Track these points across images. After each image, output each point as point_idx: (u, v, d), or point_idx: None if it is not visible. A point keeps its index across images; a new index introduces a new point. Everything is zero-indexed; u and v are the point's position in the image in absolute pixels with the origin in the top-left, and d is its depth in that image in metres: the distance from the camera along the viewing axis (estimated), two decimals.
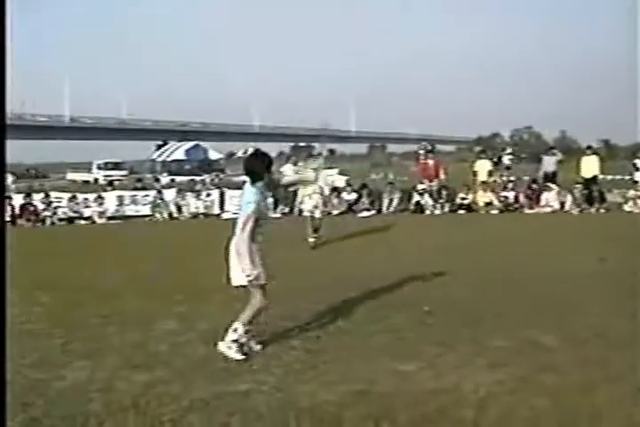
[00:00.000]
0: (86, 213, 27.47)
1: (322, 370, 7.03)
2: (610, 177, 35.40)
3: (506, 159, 42.31)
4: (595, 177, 26.83)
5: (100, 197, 28.14)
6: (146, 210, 28.29)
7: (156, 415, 5.95)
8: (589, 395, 6.15)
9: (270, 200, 24.47)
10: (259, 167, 8.14)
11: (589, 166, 27.12)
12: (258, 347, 7.95)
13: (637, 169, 29.04)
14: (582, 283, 11.26)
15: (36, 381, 6.92)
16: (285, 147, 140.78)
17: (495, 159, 41.32)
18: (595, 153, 28.39)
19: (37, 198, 27.51)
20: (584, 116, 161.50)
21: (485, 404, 6.00)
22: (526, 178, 30.00)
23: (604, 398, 6.06)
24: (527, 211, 25.90)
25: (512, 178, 31.88)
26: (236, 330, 7.70)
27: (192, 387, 6.61)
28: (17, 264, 14.36)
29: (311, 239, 16.84)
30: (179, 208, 28.10)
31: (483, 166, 28.47)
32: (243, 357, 7.52)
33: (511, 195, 26.80)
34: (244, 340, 7.75)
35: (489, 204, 26.33)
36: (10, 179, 38.41)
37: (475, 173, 28.29)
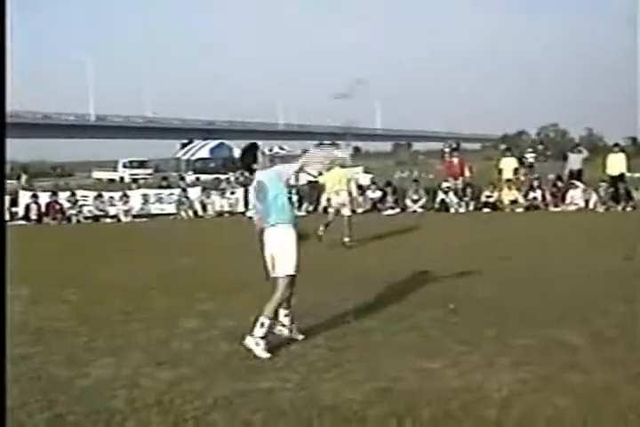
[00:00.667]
0: (112, 211, 27.60)
1: (346, 368, 7.02)
2: (637, 175, 35.12)
3: (529, 157, 42.13)
4: (622, 175, 26.61)
5: (125, 195, 28.26)
6: (171, 208, 28.39)
7: (180, 413, 5.96)
8: (614, 395, 6.10)
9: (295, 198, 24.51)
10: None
11: (616, 164, 26.91)
12: (300, 336, 8.29)
13: None
14: (608, 281, 11.18)
15: (61, 378, 6.95)
16: (310, 145, 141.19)
17: (520, 158, 41.23)
18: (622, 151, 28.19)
19: (63, 197, 27.68)
20: (611, 113, 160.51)
21: (509, 403, 5.97)
22: (552, 176, 29.80)
23: (628, 399, 6.01)
24: (552, 209, 25.75)
25: (537, 176, 31.67)
26: (262, 325, 7.78)
27: (215, 384, 6.61)
28: (43, 262, 14.51)
29: (320, 232, 16.98)
30: (203, 206, 28.17)
31: (508, 164, 28.34)
32: (268, 355, 7.55)
33: (537, 193, 26.65)
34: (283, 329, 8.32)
35: (514, 202, 26.21)
36: (23, 178, 38.62)
37: (500, 171, 28.18)
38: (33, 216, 26.49)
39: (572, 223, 21.34)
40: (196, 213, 27.82)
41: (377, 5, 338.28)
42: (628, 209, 24.79)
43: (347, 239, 16.66)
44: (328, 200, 17.75)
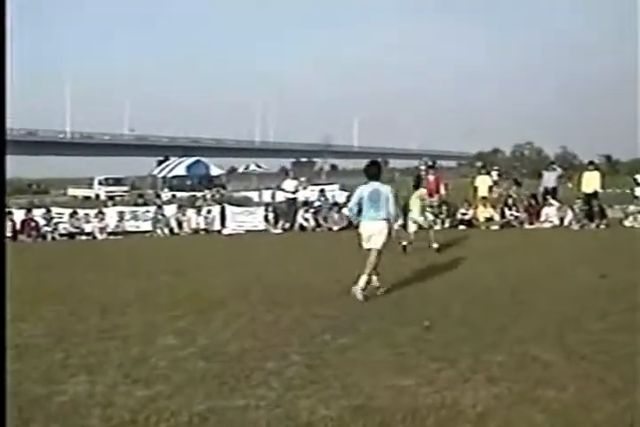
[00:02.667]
0: (87, 228, 27.53)
1: (321, 385, 7.03)
2: (610, 192, 35.37)
3: (494, 175, 42.23)
4: (596, 192, 26.79)
5: (100, 212, 28.22)
6: (147, 226, 28.36)
7: None
8: (588, 411, 6.15)
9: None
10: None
11: (590, 182, 27.09)
12: (381, 290, 12.33)
13: (638, 184, 29.05)
14: (582, 298, 11.28)
15: (38, 395, 6.93)
16: (287, 162, 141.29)
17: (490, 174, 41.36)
18: (596, 168, 28.40)
19: (38, 214, 27.57)
20: (585, 131, 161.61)
21: (484, 419, 6.01)
22: (527, 193, 29.98)
23: (603, 414, 6.07)
24: (527, 226, 25.93)
25: (512, 193, 31.83)
26: (362, 279, 11.90)
27: (191, 402, 6.62)
28: (18, 279, 14.42)
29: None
30: (179, 224, 28.15)
31: (483, 182, 28.50)
32: (362, 299, 11.64)
33: (512, 210, 26.80)
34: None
35: (489, 219, 26.37)
36: None
37: (475, 189, 28.32)
38: (8, 233, 26.34)
39: (546, 240, 21.50)
40: (172, 230, 27.79)
41: (354, 23, 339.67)
42: (602, 227, 24.99)
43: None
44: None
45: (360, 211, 12.46)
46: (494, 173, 41.21)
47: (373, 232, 12.22)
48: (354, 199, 12.68)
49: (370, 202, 12.28)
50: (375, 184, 12.45)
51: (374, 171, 12.81)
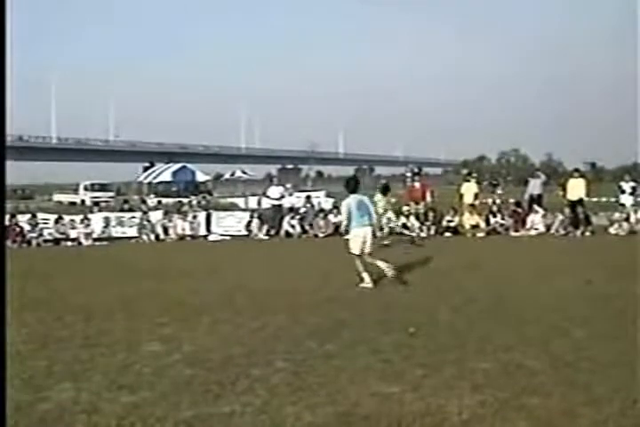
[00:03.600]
0: (72, 234, 27.43)
1: (307, 392, 7.03)
2: (595, 199, 35.51)
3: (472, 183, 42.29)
4: (581, 200, 26.85)
5: (86, 218, 28.12)
6: (132, 231, 28.32)
7: None
8: (573, 418, 6.17)
9: None
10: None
11: (576, 189, 27.14)
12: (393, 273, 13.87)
13: (623, 192, 29.08)
14: (567, 305, 11.32)
15: (22, 402, 6.90)
16: (273, 169, 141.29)
17: (495, 182, 41.45)
18: (582, 176, 28.47)
19: (23, 219, 27.47)
20: (570, 139, 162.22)
21: (469, 426, 6.02)
22: (512, 200, 30.06)
23: (587, 422, 6.09)
24: (513, 233, 25.99)
25: (498, 201, 31.97)
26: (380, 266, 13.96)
27: (176, 408, 6.60)
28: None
29: None
30: (165, 230, 28.10)
31: (469, 189, 28.54)
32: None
33: (497, 218, 26.86)
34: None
35: (475, 226, 26.41)
36: None
37: (461, 196, 28.36)
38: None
39: (531, 248, 21.57)
40: (157, 236, 27.74)
41: (342, 29, 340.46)
42: (587, 234, 25.08)
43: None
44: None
45: (350, 220, 14.26)
46: (472, 181, 41.30)
47: (366, 237, 14.09)
48: (345, 212, 14.33)
49: (358, 211, 14.14)
50: (357, 196, 14.42)
51: (354, 185, 14.70)
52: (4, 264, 4.96)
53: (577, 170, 29.65)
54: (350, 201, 14.27)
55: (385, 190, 23.83)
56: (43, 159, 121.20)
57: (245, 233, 28.41)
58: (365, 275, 13.95)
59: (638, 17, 30.91)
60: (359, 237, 14.11)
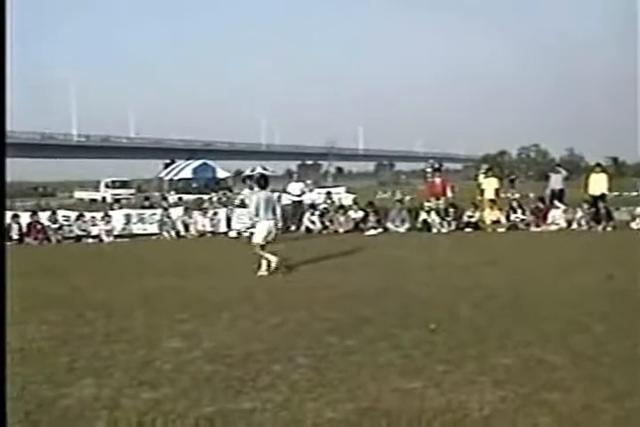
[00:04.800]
0: (93, 231, 27.46)
1: (327, 388, 7.02)
2: (617, 194, 35.30)
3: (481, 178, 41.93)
4: (603, 195, 26.73)
5: (107, 215, 28.14)
6: (153, 228, 28.31)
7: None
8: (594, 413, 6.14)
9: None
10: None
11: (597, 184, 27.03)
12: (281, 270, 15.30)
13: None
14: (588, 300, 11.26)
15: (44, 398, 6.92)
16: (293, 165, 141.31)
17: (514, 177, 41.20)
18: (603, 171, 28.33)
19: (45, 217, 27.55)
20: (592, 134, 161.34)
21: (490, 422, 6.00)
22: (532, 195, 29.96)
23: (608, 417, 6.06)
24: (534, 229, 25.86)
25: (517, 195, 31.89)
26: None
27: (197, 405, 6.61)
28: (24, 282, 14.44)
29: None
30: (186, 226, 28.11)
31: (490, 184, 28.46)
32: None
33: (518, 213, 26.75)
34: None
35: (496, 222, 26.31)
36: None
37: (482, 191, 28.28)
38: (14, 236, 26.31)
39: (552, 243, 21.47)
40: (178, 233, 27.73)
41: (362, 26, 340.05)
42: (609, 229, 24.94)
43: None
44: None
45: (258, 214, 15.91)
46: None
47: (270, 229, 15.82)
48: (254, 204, 16.17)
49: (266, 206, 15.83)
50: (266, 192, 16.33)
51: (264, 182, 16.64)
52: (4, 264, 4.96)
53: (599, 165, 29.54)
54: (260, 196, 16.07)
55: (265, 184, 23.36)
56: (64, 156, 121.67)
57: None
58: (264, 262, 15.48)
59: None
60: (264, 229, 15.76)
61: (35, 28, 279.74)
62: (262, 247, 15.67)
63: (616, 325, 9.43)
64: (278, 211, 16.26)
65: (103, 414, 6.44)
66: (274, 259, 15.47)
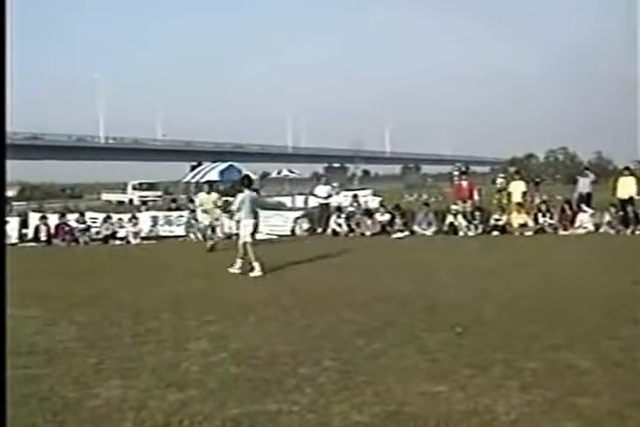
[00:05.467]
0: (121, 233, 27.59)
1: (354, 391, 7.02)
2: None
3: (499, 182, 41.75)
4: (631, 198, 26.56)
5: (134, 217, 28.26)
6: (180, 230, 28.41)
7: None
8: (622, 419, 6.10)
9: None
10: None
11: (626, 187, 26.86)
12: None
13: None
14: (616, 305, 11.19)
15: (71, 399, 6.96)
16: (319, 167, 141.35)
17: (538, 180, 41.07)
18: (632, 174, 28.16)
19: (72, 218, 27.71)
20: (619, 136, 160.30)
21: (517, 426, 5.98)
22: (560, 198, 29.82)
23: (636, 423, 6.02)
24: (562, 232, 25.72)
25: (544, 197, 31.73)
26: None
27: (224, 406, 6.63)
28: (53, 283, 14.55)
29: None
30: (212, 229, 28.16)
31: (517, 187, 28.36)
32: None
33: (546, 217, 26.61)
34: None
35: (523, 225, 26.19)
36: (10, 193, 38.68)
37: (509, 195, 28.18)
38: (42, 237, 26.52)
39: (580, 247, 21.35)
40: (204, 235, 27.78)
41: (385, 28, 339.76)
42: (638, 233, 24.76)
43: None
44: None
45: (241, 212, 16.66)
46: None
47: (251, 228, 16.43)
48: (237, 203, 16.82)
49: (249, 205, 16.57)
50: (250, 193, 17.01)
51: (248, 182, 17.48)
52: (4, 264, 5.00)
53: (627, 168, 29.34)
54: (246, 195, 16.75)
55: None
56: (92, 158, 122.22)
57: (290, 233, 28.41)
58: (257, 264, 15.84)
59: None
60: (249, 228, 16.41)
61: (63, 30, 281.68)
62: (244, 246, 16.25)
63: None
64: (258, 212, 17.23)
65: (130, 415, 6.46)
66: (239, 261, 16.26)
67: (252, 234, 16.55)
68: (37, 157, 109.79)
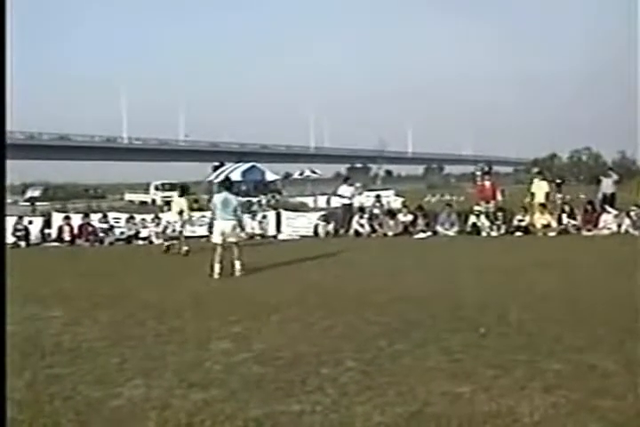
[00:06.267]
0: (144, 233, 27.69)
1: (376, 392, 7.01)
2: None
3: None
4: None
5: (157, 217, 28.34)
6: (202, 230, 28.40)
7: None
8: None
9: None
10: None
11: None
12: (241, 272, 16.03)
13: None
14: None
15: (94, 398, 6.98)
16: (342, 168, 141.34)
17: (559, 181, 41.00)
18: None
19: (96, 219, 27.83)
20: None
21: None
22: (583, 196, 29.70)
23: None
24: (585, 233, 25.61)
25: (566, 197, 31.63)
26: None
27: (246, 407, 6.63)
28: (76, 283, 14.60)
29: None
30: None
31: (540, 188, 28.23)
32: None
33: (570, 217, 26.51)
34: None
35: (546, 226, 26.08)
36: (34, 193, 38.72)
37: (532, 195, 28.08)
38: (66, 238, 26.65)
39: (604, 247, 21.23)
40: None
41: (409, 27, 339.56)
42: None
43: None
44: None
45: (214, 214, 16.89)
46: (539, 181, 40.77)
47: (225, 230, 16.41)
48: (212, 205, 17.39)
49: (223, 207, 16.52)
50: (227, 194, 17.03)
51: (228, 184, 18.79)
52: (4, 263, 5.02)
53: None
54: (219, 197, 17.03)
55: (183, 192, 24.56)
56: (114, 159, 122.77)
57: (313, 234, 28.39)
58: (217, 266, 15.97)
59: None
60: (219, 229, 16.49)
61: (87, 31, 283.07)
62: (223, 248, 16.38)
63: None
64: (239, 212, 16.87)
65: (152, 414, 6.48)
66: (238, 262, 16.27)
67: (226, 235, 16.42)
68: (61, 157, 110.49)
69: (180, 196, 23.72)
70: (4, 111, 5.18)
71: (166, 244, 22.42)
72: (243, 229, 17.32)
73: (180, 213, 22.78)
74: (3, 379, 4.86)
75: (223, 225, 16.45)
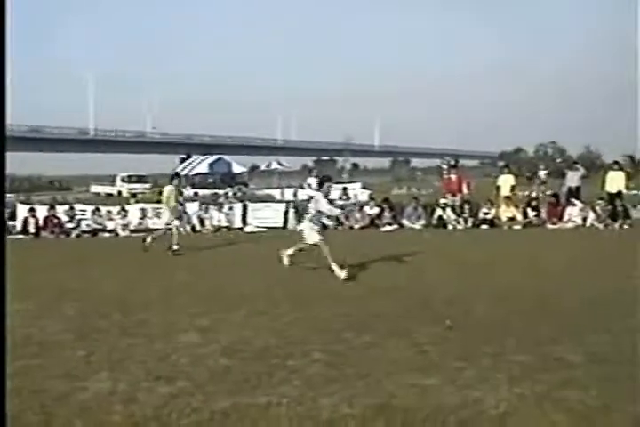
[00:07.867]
0: (110, 225, 27.53)
1: (343, 384, 7.02)
2: (634, 192, 35.14)
3: (542, 174, 41.93)
4: (620, 192, 26.71)
5: (123, 209, 28.20)
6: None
7: None
8: (610, 412, 6.12)
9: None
10: None
11: (615, 182, 27.03)
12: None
13: None
14: (606, 299, 11.21)
15: (60, 391, 6.94)
16: (309, 160, 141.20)
17: (529, 175, 41.39)
18: (621, 169, 28.30)
19: (61, 211, 27.63)
20: (608, 131, 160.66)
21: (506, 419, 5.99)
22: (549, 193, 29.90)
23: (624, 416, 6.03)
24: (550, 226, 25.78)
25: (534, 194, 31.82)
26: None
27: (213, 399, 6.62)
28: (42, 276, 14.49)
29: None
30: (201, 221, 28.14)
31: (506, 181, 28.39)
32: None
33: (535, 210, 26.69)
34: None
35: (512, 218, 26.25)
36: None
37: (498, 188, 28.23)
38: (31, 230, 26.42)
39: (569, 240, 21.40)
40: (193, 227, 27.75)
41: (378, 19, 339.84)
42: (626, 227, 24.85)
43: None
44: None
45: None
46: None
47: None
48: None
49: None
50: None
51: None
52: (4, 260, 4.99)
53: (616, 162, 29.46)
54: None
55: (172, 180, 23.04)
56: (80, 151, 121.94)
57: (281, 224, 28.40)
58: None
59: None
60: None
61: (56, 26, 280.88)
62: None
63: (634, 323, 9.36)
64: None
65: (119, 407, 6.45)
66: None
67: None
68: (26, 149, 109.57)
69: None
70: (4, 109, 5.14)
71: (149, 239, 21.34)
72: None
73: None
74: (2, 379, 4.84)
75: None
